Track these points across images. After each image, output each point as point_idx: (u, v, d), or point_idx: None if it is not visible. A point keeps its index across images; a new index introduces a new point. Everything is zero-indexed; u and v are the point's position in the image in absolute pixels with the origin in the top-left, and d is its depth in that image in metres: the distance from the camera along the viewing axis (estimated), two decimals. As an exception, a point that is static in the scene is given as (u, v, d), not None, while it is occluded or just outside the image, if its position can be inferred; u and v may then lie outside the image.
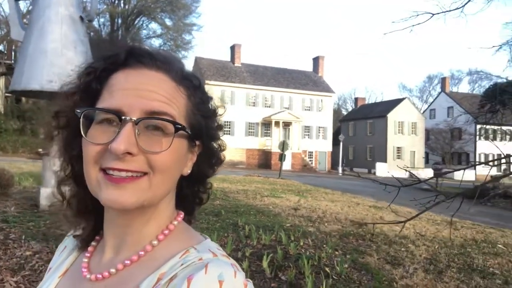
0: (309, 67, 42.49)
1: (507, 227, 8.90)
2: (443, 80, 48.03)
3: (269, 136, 35.82)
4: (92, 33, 30.31)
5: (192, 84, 0.60)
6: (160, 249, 0.58)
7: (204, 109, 0.61)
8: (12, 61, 33.13)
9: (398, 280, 4.21)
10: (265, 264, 4.11)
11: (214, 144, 0.64)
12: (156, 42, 38.38)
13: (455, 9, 4.14)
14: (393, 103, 42.54)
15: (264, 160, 35.11)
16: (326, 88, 39.45)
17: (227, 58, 39.28)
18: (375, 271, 4.47)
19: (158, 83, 0.56)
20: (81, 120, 0.54)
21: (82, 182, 0.58)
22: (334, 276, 4.07)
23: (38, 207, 6.84)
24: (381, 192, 15.89)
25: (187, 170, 0.61)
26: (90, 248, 0.65)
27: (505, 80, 19.22)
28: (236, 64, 37.92)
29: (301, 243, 5.25)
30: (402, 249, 5.66)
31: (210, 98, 0.65)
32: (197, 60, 38.11)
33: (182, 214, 0.64)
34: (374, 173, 38.42)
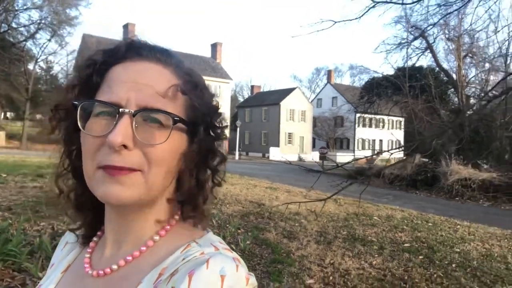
0: (207, 53, 42.40)
1: (380, 202, 10.33)
2: (329, 73, 52.27)
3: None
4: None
5: (191, 79, 0.60)
6: (161, 244, 0.58)
7: (204, 105, 0.60)
8: None
9: (294, 252, 4.68)
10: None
11: (216, 142, 0.62)
12: (35, 15, 34.14)
13: (355, 18, 4.69)
14: (286, 92, 44.98)
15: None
16: (224, 75, 39.88)
17: (120, 37, 36.88)
18: (274, 245, 4.88)
19: (157, 76, 0.56)
20: (78, 112, 0.54)
21: (81, 177, 0.57)
22: (238, 252, 4.34)
23: None
24: (275, 175, 17.11)
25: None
26: (92, 244, 0.65)
27: (381, 75, 21.85)
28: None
29: (206, 225, 5.43)
30: (296, 224, 6.24)
31: (212, 95, 0.64)
32: (85, 38, 35.08)
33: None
34: (268, 157, 40.40)
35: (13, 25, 33.86)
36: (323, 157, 26.11)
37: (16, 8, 33.08)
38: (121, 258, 0.57)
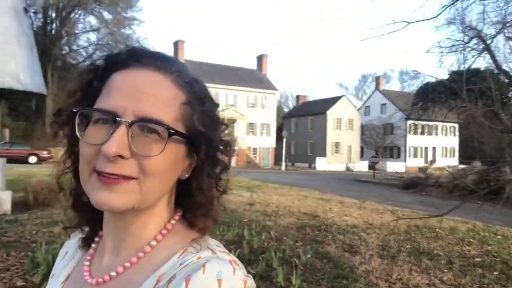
0: (253, 65, 42.96)
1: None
2: (377, 79, 50.95)
3: (213, 133, 35.68)
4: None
5: (192, 89, 0.58)
6: (159, 249, 0.58)
7: (205, 115, 0.58)
8: None
9: (358, 266, 4.50)
10: (234, 258, 4.19)
11: (219, 153, 0.61)
12: (93, 37, 36.48)
13: (431, 18, 4.38)
14: (332, 101, 44.38)
15: (208, 158, 34.92)
16: (270, 86, 40.14)
17: (170, 55, 38.35)
18: (335, 259, 4.74)
19: (156, 85, 0.55)
20: (76, 119, 0.54)
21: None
22: (300, 267, 4.26)
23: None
24: (323, 185, 16.70)
25: (185, 174, 0.60)
26: (91, 251, 0.65)
27: (434, 79, 20.93)
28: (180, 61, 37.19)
29: (263, 237, 5.39)
30: (356, 237, 6.03)
31: (216, 105, 0.63)
32: (138, 56, 36.83)
33: (180, 213, 0.63)
34: (314, 167, 39.90)
35: (74, 47, 36.27)
36: (373, 166, 25.33)
37: (76, 32, 35.48)
38: (120, 265, 0.57)
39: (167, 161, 0.54)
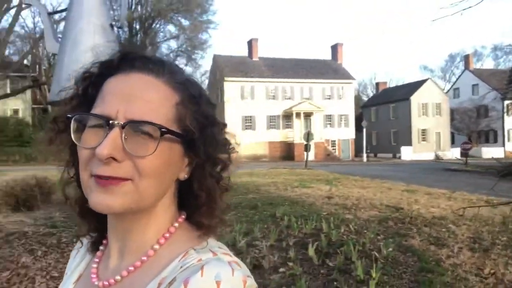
0: (327, 56, 42.14)
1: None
2: (466, 58, 46.76)
3: (290, 128, 35.79)
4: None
5: (186, 89, 0.59)
6: (161, 253, 0.58)
7: (200, 114, 0.59)
8: (37, 74, 34.18)
9: (445, 260, 4.24)
10: (311, 252, 4.21)
11: (218, 154, 0.61)
12: (173, 44, 38.83)
13: None
14: (416, 85, 41.74)
15: (287, 152, 35.14)
16: (346, 75, 39.04)
17: (245, 53, 39.33)
18: (420, 252, 4.50)
19: (148, 87, 0.56)
20: (71, 125, 0.56)
21: None
22: (381, 260, 4.14)
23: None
24: (409, 177, 15.82)
25: (183, 175, 0.60)
26: (98, 253, 0.67)
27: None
28: (254, 59, 37.92)
29: (342, 230, 5.32)
30: (443, 229, 5.65)
31: (212, 105, 0.63)
32: (215, 58, 38.32)
33: (183, 215, 0.63)
34: (400, 157, 37.90)
35: (157, 55, 38.77)
36: (465, 153, 23.28)
37: (158, 40, 38.05)
38: (124, 269, 0.59)
39: (161, 161, 0.54)
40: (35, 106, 34.76)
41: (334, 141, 37.86)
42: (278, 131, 36.14)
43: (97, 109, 0.55)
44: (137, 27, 37.72)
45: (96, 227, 0.67)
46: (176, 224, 0.62)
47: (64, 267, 3.46)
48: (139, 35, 37.21)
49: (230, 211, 0.69)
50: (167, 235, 0.60)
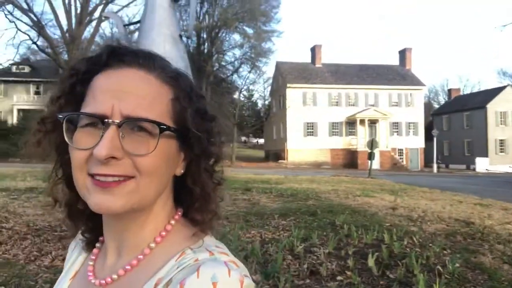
0: (395, 61, 40.57)
1: None
2: (554, 61, 42.29)
3: (354, 135, 34.89)
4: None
5: (178, 84, 0.58)
6: (158, 251, 0.57)
7: (193, 108, 0.58)
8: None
9: (520, 281, 3.90)
10: (371, 262, 4.10)
11: (212, 146, 0.60)
12: (237, 52, 39.93)
13: None
14: (493, 92, 38.68)
15: (349, 160, 34.27)
16: (415, 82, 37.28)
17: (308, 59, 39.22)
18: (491, 271, 4.18)
19: (140, 82, 0.54)
20: (64, 125, 0.54)
21: (74, 186, 0.57)
22: (446, 275, 3.92)
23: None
24: (484, 190, 14.70)
25: (180, 170, 0.59)
26: (95, 250, 0.65)
27: None
28: (317, 65, 37.69)
29: (405, 242, 5.11)
30: (521, 249, 5.19)
31: (203, 98, 0.62)
32: (278, 65, 38.66)
33: (180, 212, 0.62)
34: (474, 169, 35.22)
35: (222, 63, 40.30)
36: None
37: (224, 49, 39.37)
38: (121, 268, 0.57)
39: (161, 158, 0.54)
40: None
41: (402, 150, 36.20)
42: (341, 138, 35.41)
43: (88, 108, 0.53)
44: (204, 36, 39.33)
45: (89, 227, 0.66)
46: (173, 222, 0.61)
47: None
48: (206, 44, 38.78)
49: (226, 205, 0.67)
50: (164, 233, 0.59)
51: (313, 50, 38.48)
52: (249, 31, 39.12)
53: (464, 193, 12.68)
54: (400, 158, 35.76)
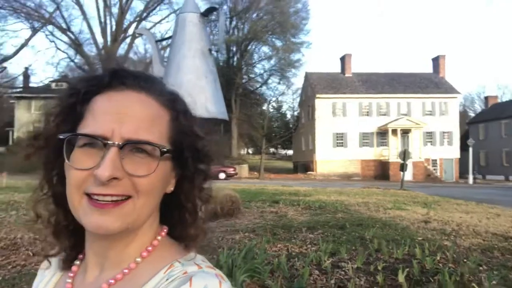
0: (428, 69, 39.60)
1: None
2: None
3: (385, 145, 34.11)
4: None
5: (175, 106, 0.60)
6: (144, 265, 0.57)
7: (189, 129, 0.60)
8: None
9: None
10: (401, 278, 3.98)
11: (202, 165, 0.62)
12: (266, 64, 40.30)
13: None
14: (534, 99, 36.84)
15: (381, 171, 33.49)
16: (449, 90, 36.16)
17: (338, 69, 38.93)
18: (532, 290, 3.97)
19: (141, 105, 0.56)
20: (64, 145, 0.54)
21: (62, 203, 0.57)
22: (480, 294, 3.75)
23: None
24: (528, 202, 13.51)
25: (170, 188, 0.61)
26: (74, 268, 0.64)
27: None
28: (347, 75, 37.30)
29: (438, 257, 4.93)
30: None
31: (196, 119, 0.63)
32: (307, 76, 38.55)
33: (165, 229, 0.63)
34: (515, 181, 33.57)
35: (251, 75, 40.79)
36: None
37: (253, 61, 39.83)
38: (104, 282, 0.57)
39: (159, 178, 0.55)
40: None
41: (436, 160, 35.03)
42: (371, 148, 34.71)
43: (89, 129, 0.54)
44: (234, 49, 39.92)
45: (71, 244, 0.65)
46: (159, 237, 0.61)
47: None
48: (235, 57, 39.35)
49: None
50: (150, 248, 0.59)
51: (343, 59, 38.14)
52: (278, 43, 39.42)
53: (502, 206, 12.10)
54: (434, 169, 34.57)
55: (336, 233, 6.47)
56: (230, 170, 28.09)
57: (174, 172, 0.61)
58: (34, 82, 39.57)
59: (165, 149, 0.55)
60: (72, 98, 0.57)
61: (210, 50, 7.67)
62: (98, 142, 0.52)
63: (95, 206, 0.52)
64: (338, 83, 36.19)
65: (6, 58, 31.70)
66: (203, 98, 7.33)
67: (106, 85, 0.57)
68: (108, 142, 0.52)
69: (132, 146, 0.53)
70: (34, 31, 30.85)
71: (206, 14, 7.85)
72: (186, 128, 0.60)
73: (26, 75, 38.88)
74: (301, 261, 4.57)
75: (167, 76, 7.51)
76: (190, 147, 0.60)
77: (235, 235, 6.34)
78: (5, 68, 31.51)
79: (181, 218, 0.64)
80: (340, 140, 34.64)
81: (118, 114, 0.54)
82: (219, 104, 7.90)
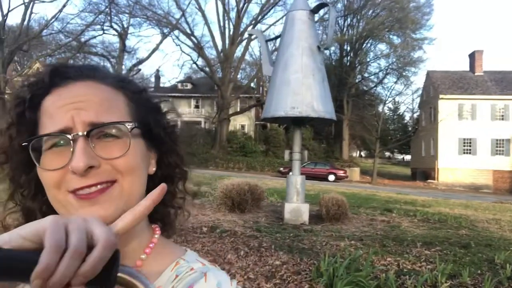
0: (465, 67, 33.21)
1: None
2: None
3: (525, 154, 29.47)
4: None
5: (127, 86, 0.59)
6: (149, 263, 0.57)
7: (149, 106, 0.61)
8: (260, 95, 39.55)
9: None
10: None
11: (175, 143, 0.63)
12: (383, 63, 38.32)
13: None
14: None
15: (518, 184, 29.02)
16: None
17: (465, 67, 35.03)
18: None
19: (93, 90, 0.54)
20: (30, 152, 0.52)
21: (32, 218, 0.56)
22: None
23: (282, 220, 7.67)
24: None
25: (152, 168, 0.60)
26: None
27: None
28: (477, 73, 33.31)
29: None
30: None
31: (152, 95, 0.63)
32: (429, 74, 35.56)
33: (158, 228, 0.64)
34: None
35: (365, 75, 39.20)
36: None
37: (368, 60, 38.24)
38: None
39: (136, 156, 0.55)
40: (258, 122, 40.04)
41: None
42: (506, 157, 30.36)
43: (48, 129, 0.52)
44: (347, 48, 38.81)
45: None
46: (157, 235, 0.62)
47: (261, 271, 3.70)
48: (349, 56, 38.24)
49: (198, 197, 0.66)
50: (152, 245, 0.60)
51: (472, 56, 34.12)
52: (396, 40, 37.06)
53: None
54: None
55: (457, 252, 5.71)
56: (340, 173, 27.44)
57: (152, 153, 0.61)
58: (162, 82, 44.28)
59: (131, 125, 0.54)
60: (19, 107, 0.55)
61: (319, 47, 7.45)
62: (64, 138, 0.51)
63: (82, 199, 0.51)
64: (466, 82, 32.52)
65: (141, 61, 35.62)
66: (310, 97, 7.15)
67: (51, 84, 0.55)
68: (73, 134, 0.51)
69: (99, 132, 0.52)
70: (164, 36, 34.37)
71: (316, 10, 7.64)
72: (147, 104, 0.60)
73: (158, 76, 43.70)
74: (413, 280, 4.13)
75: (275, 75, 7.52)
76: (157, 123, 0.60)
77: (340, 241, 6.04)
78: (139, 70, 35.55)
79: (165, 199, 0.62)
80: (467, 146, 31.06)
81: (73, 104, 0.53)
82: (326, 104, 7.63)
